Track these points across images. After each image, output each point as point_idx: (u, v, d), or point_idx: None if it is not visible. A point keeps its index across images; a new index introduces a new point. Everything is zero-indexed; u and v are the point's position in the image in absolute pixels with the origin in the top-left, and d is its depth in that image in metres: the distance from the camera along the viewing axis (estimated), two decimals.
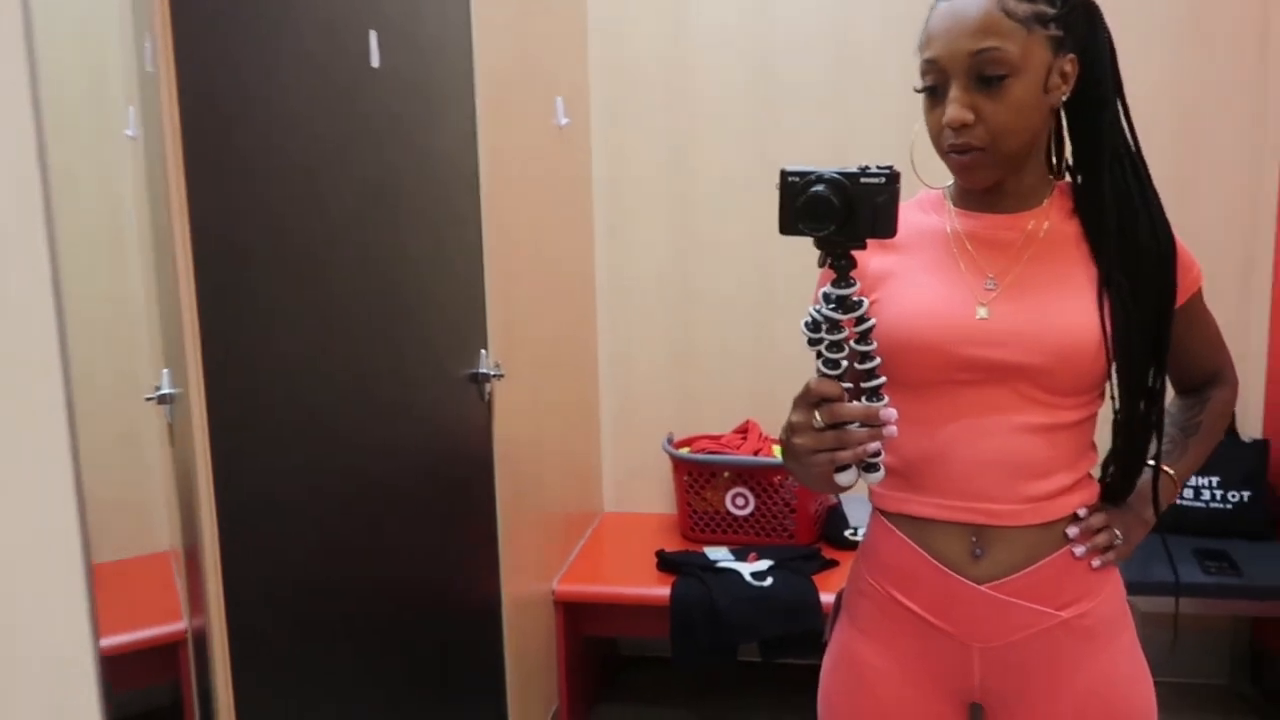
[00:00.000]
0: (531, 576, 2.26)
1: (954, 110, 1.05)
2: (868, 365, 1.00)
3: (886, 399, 1.00)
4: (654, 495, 2.94)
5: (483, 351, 1.89)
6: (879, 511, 1.19)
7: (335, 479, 1.34)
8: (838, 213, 0.94)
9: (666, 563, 2.47)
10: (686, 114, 2.78)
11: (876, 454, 0.99)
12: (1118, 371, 1.10)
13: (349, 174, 1.36)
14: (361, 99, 1.40)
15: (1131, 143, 1.12)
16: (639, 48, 2.77)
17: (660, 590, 2.37)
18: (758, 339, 2.81)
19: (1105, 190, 1.10)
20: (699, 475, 2.63)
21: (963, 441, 1.11)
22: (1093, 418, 1.14)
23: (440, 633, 1.72)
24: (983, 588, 1.11)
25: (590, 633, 2.62)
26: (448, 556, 1.77)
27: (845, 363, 0.99)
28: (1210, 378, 1.28)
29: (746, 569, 2.41)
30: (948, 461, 1.12)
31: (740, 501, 2.61)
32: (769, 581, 2.36)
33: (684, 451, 2.68)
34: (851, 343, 0.99)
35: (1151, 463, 1.19)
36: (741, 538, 2.61)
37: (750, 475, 2.58)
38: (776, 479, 2.58)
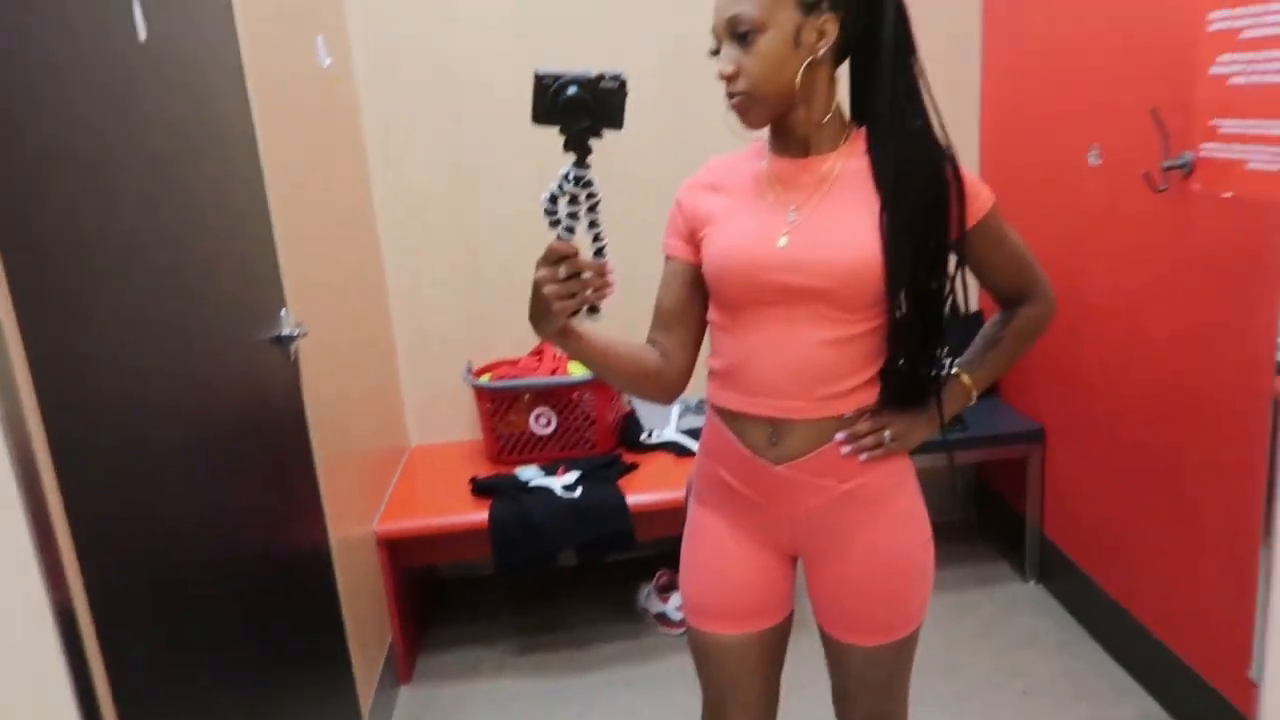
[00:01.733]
0: (353, 520, 2.32)
1: (720, 64, 1.28)
2: (595, 230, 1.25)
3: (609, 257, 1.25)
4: (459, 423, 3.03)
5: (283, 312, 1.89)
6: (710, 404, 1.44)
7: (162, 456, 1.34)
8: (587, 108, 1.16)
9: (481, 488, 2.60)
10: (449, 37, 2.79)
11: (599, 300, 1.24)
12: (890, 290, 1.28)
13: (133, 154, 1.33)
14: (134, 74, 1.35)
15: (919, 95, 1.30)
16: None
17: (478, 515, 2.50)
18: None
19: (882, 136, 1.30)
20: (501, 401, 2.75)
21: (767, 351, 1.34)
22: (881, 328, 1.33)
23: (277, 586, 1.77)
24: (778, 468, 1.36)
25: (414, 564, 2.72)
26: (276, 513, 1.80)
27: (577, 229, 1.23)
28: (1020, 295, 1.44)
29: (557, 483, 2.59)
30: (754, 367, 1.35)
31: (543, 420, 2.76)
32: (578, 492, 2.55)
33: (484, 379, 2.79)
34: (583, 213, 1.22)
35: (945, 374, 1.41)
36: (548, 454, 2.78)
37: (550, 395, 2.73)
38: (575, 395, 2.74)
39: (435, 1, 2.76)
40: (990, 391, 3.01)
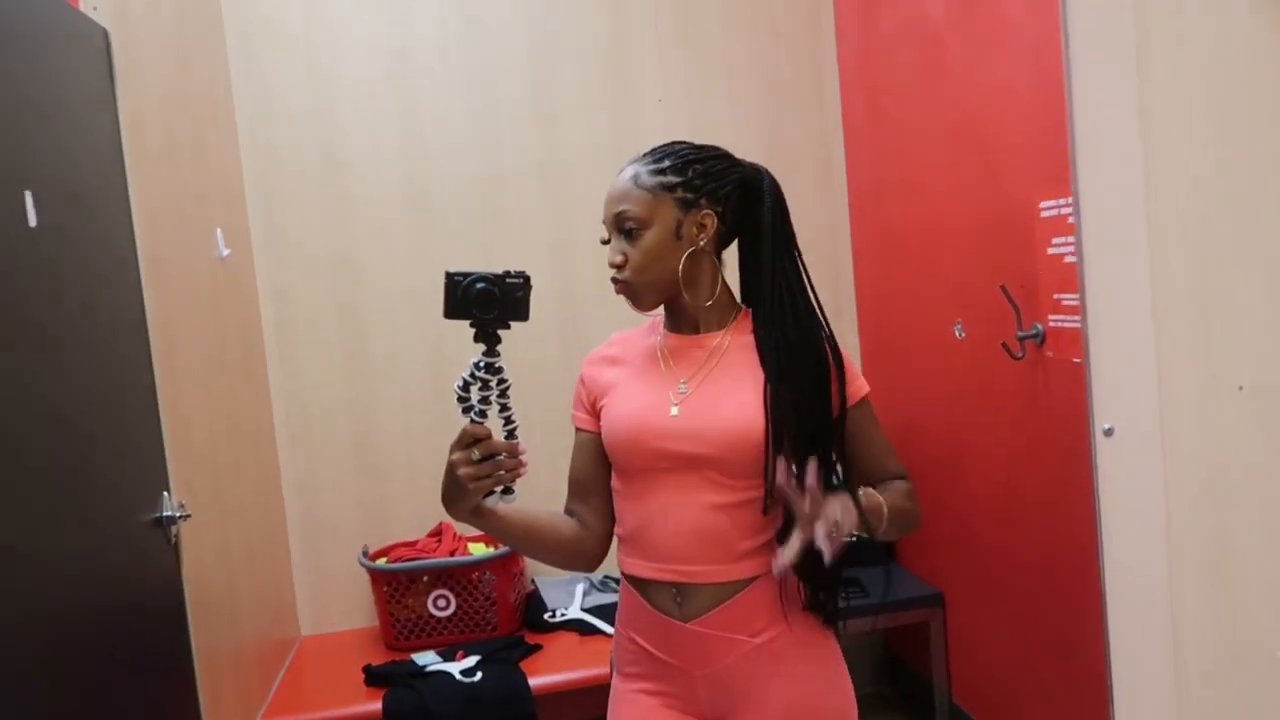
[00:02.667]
0: (231, 716, 2.19)
1: (609, 254, 1.43)
2: (506, 414, 1.32)
3: (520, 439, 1.31)
4: (353, 611, 2.93)
5: (165, 494, 1.85)
6: (621, 571, 1.47)
7: (17, 655, 1.28)
8: (495, 303, 1.28)
9: (375, 676, 2.49)
10: (347, 227, 2.90)
11: (513, 481, 1.31)
12: (768, 456, 1.33)
13: (16, 331, 1.34)
14: (22, 259, 1.38)
15: (799, 279, 1.42)
16: (293, 173, 2.86)
17: (371, 706, 2.39)
18: (443, 440, 2.92)
19: (765, 317, 1.42)
20: (399, 584, 2.68)
21: (664, 516, 1.39)
22: (753, 498, 1.36)
23: None
24: (688, 625, 1.37)
25: None
26: (141, 709, 1.70)
27: (489, 413, 1.30)
28: (888, 478, 1.48)
29: (456, 668, 2.50)
30: (653, 532, 1.40)
31: (442, 603, 2.69)
32: (478, 677, 2.46)
33: (381, 562, 2.72)
34: (494, 398, 1.30)
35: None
36: (447, 638, 2.69)
37: (450, 575, 2.68)
38: (475, 575, 2.70)
39: (335, 194, 2.88)
40: (890, 560, 3.08)
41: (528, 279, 1.30)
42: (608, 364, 1.52)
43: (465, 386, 1.30)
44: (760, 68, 3.11)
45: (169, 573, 1.86)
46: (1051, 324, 2.15)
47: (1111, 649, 1.66)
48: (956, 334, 2.58)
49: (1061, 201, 2.05)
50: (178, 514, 1.85)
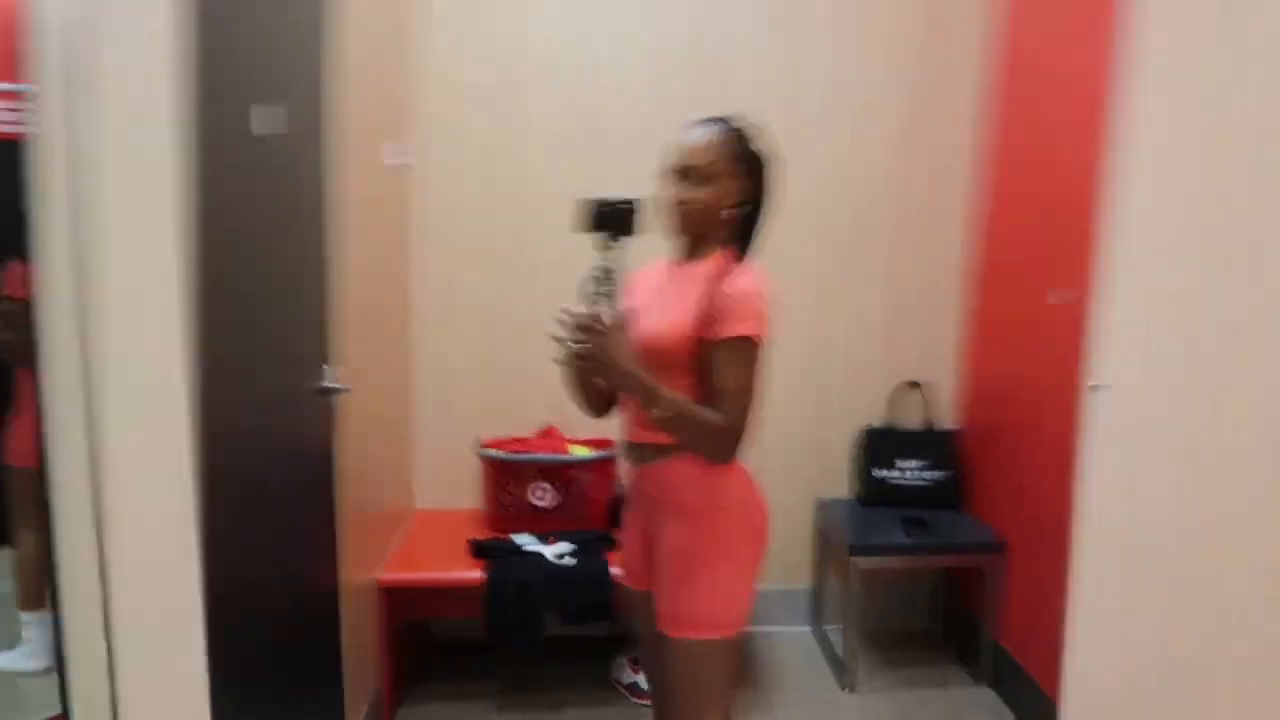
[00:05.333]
0: (359, 569, 2.53)
1: (676, 192, 1.79)
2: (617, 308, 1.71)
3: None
4: (461, 492, 3.26)
5: (326, 368, 2.16)
6: None
7: (221, 489, 1.59)
8: (613, 222, 1.68)
9: (479, 549, 2.82)
10: (500, 149, 3.14)
11: None
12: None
13: (259, 216, 1.63)
14: (252, 158, 1.67)
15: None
16: (459, 87, 3.10)
17: (473, 573, 2.71)
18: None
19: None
20: (506, 472, 2.99)
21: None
22: (689, 387, 1.73)
23: (293, 620, 1.98)
24: (637, 469, 1.87)
25: (409, 616, 2.91)
26: (303, 550, 2.03)
27: (604, 305, 1.68)
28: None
29: (549, 550, 2.81)
30: (627, 408, 1.88)
31: (541, 494, 2.99)
32: (567, 560, 2.77)
33: (492, 451, 3.03)
34: (609, 294, 1.68)
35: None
36: (544, 526, 3.00)
37: (552, 471, 2.98)
38: (573, 473, 2.98)
39: (501, 119, 3.13)
40: (958, 504, 3.26)
41: (637, 205, 1.68)
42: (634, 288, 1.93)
43: (593, 281, 1.68)
44: (916, 12, 3.21)
45: (326, 437, 2.18)
46: None
47: (1073, 586, 1.97)
48: (1050, 299, 2.70)
49: None
50: (339, 386, 2.15)
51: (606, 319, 1.67)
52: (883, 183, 3.25)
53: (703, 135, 1.79)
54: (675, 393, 1.70)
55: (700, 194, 1.76)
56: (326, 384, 2.14)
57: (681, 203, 1.78)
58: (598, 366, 1.68)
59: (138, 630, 0.83)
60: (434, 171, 3.14)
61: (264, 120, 1.74)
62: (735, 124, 1.82)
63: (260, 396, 1.77)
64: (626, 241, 1.69)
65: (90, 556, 0.75)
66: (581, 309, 1.67)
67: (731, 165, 1.78)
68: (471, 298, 3.21)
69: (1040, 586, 2.80)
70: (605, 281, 1.69)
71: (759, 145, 1.82)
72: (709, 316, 1.70)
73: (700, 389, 1.73)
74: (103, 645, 0.78)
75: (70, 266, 0.74)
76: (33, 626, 2.74)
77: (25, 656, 2.62)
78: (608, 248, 1.69)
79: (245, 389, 1.67)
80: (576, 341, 1.67)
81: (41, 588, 2.74)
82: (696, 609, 1.77)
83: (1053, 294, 2.69)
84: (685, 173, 1.77)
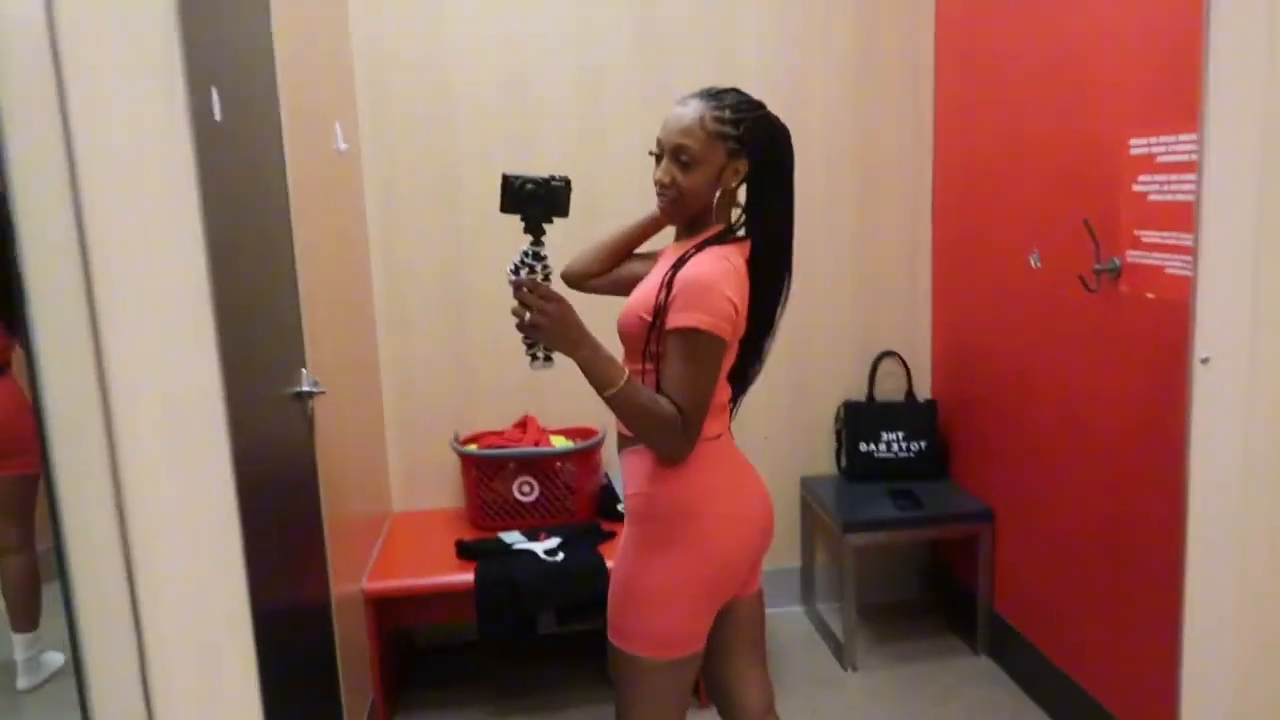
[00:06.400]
0: (346, 578, 2.42)
1: (659, 173, 1.68)
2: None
3: None
4: (440, 491, 3.15)
5: (303, 370, 2.04)
6: None
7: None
8: (541, 200, 1.54)
9: (467, 550, 2.72)
10: (448, 130, 3.02)
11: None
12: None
13: (223, 211, 1.51)
14: (211, 151, 1.54)
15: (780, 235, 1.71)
16: (398, 69, 2.97)
17: (462, 577, 2.61)
18: None
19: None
20: (487, 468, 2.89)
21: None
22: (646, 373, 1.64)
23: (287, 637, 1.87)
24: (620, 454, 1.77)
25: (396, 624, 2.80)
26: (289, 566, 1.91)
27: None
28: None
29: (539, 547, 2.72)
30: None
31: (526, 488, 2.90)
32: (560, 556, 2.68)
33: (472, 448, 2.93)
34: (539, 281, 1.54)
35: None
36: (529, 521, 2.91)
37: (534, 464, 2.88)
38: (557, 465, 2.90)
39: (438, 92, 3.00)
40: (942, 474, 3.25)
41: (568, 182, 1.56)
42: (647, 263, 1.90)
43: (515, 270, 1.55)
44: None
45: (305, 443, 2.06)
46: (1130, 260, 2.24)
47: (1189, 568, 1.81)
48: (1032, 263, 2.68)
49: (1153, 140, 2.13)
50: (314, 389, 2.04)
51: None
52: (848, 152, 3.21)
53: (691, 111, 1.63)
54: (628, 374, 1.57)
55: (685, 178, 1.63)
56: (304, 388, 2.02)
57: (664, 186, 1.66)
58: (545, 335, 1.55)
59: (175, 652, 0.75)
60: (381, 155, 3.01)
61: (222, 105, 1.62)
62: (729, 97, 1.66)
63: (245, 404, 1.66)
64: (553, 223, 1.56)
65: (116, 582, 0.66)
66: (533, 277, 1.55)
67: (721, 144, 1.63)
68: (432, 284, 3.08)
69: (1033, 553, 2.80)
70: (533, 266, 1.54)
71: (756, 118, 1.66)
72: (661, 304, 1.61)
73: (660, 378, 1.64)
74: (136, 675, 0.70)
75: (73, 273, 0.65)
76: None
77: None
78: (535, 230, 1.56)
79: (233, 396, 1.56)
80: (523, 306, 1.54)
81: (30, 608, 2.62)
82: (621, 618, 1.69)
83: (1034, 258, 2.67)
84: (673, 152, 1.64)
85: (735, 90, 1.69)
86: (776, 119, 1.70)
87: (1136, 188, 2.20)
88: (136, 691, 0.70)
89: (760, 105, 1.69)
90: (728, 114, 1.63)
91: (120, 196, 0.63)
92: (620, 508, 2.91)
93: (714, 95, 1.66)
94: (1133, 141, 2.20)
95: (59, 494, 0.66)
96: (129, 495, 0.68)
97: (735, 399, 1.80)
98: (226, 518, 0.73)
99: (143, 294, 0.67)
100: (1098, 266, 2.34)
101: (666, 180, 1.65)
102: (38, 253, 0.64)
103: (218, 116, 1.58)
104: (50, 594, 2.71)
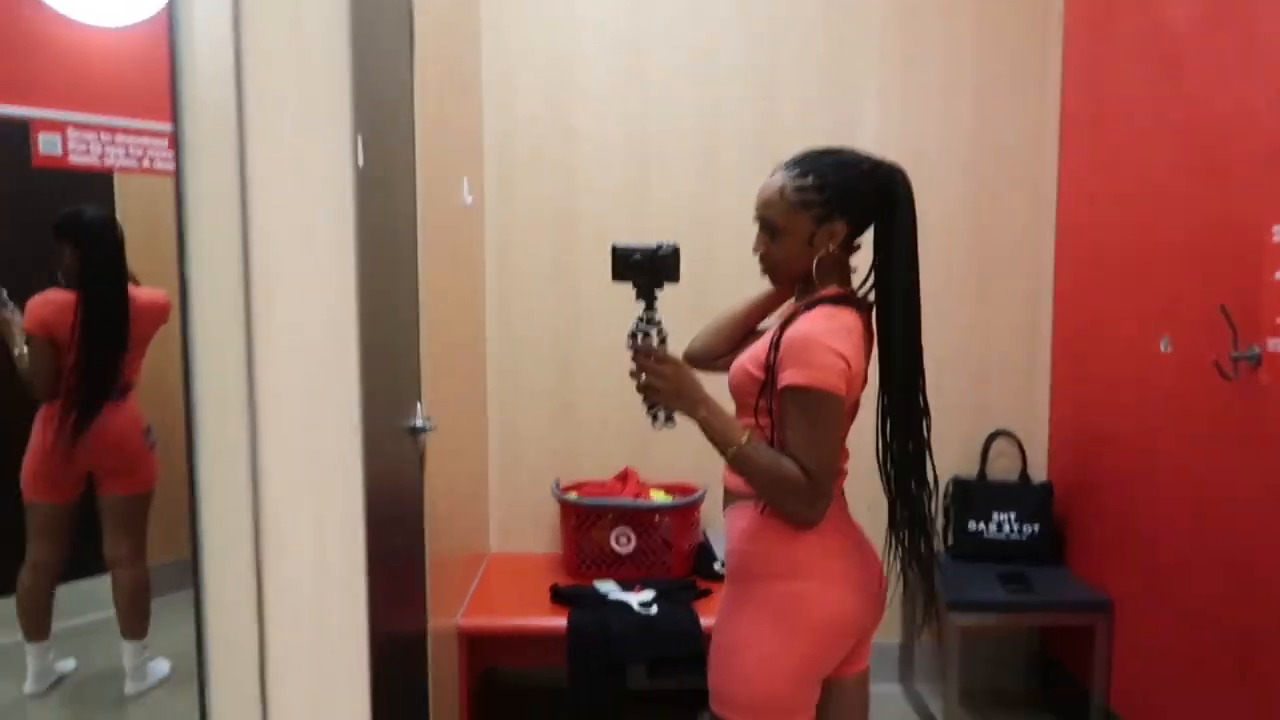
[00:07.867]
0: (442, 613, 2.47)
1: (755, 244, 1.70)
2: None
3: None
4: (537, 536, 3.19)
5: (418, 404, 2.11)
6: None
7: None
8: (650, 269, 1.58)
9: (561, 595, 2.73)
10: (568, 194, 3.12)
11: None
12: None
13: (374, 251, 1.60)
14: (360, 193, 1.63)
15: (906, 284, 1.61)
16: (525, 128, 3.09)
17: (555, 621, 2.63)
18: (635, 395, 3.14)
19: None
20: (586, 517, 2.91)
21: None
22: (761, 429, 1.62)
23: (387, 669, 1.91)
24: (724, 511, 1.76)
25: (488, 664, 2.82)
26: (393, 596, 1.97)
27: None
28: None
29: (634, 599, 2.71)
30: None
31: (623, 540, 2.91)
32: (654, 610, 2.67)
33: (572, 495, 2.96)
34: (655, 344, 1.59)
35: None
36: (625, 573, 2.91)
37: (633, 516, 2.89)
38: (655, 518, 2.90)
39: (561, 155, 3.10)
40: (1056, 560, 3.11)
41: (676, 249, 1.59)
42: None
43: (633, 336, 1.60)
44: (978, 58, 3.13)
45: (415, 476, 2.13)
46: (1271, 348, 2.13)
47: None
48: (1162, 348, 2.57)
49: None
50: (427, 425, 2.10)
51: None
52: (966, 225, 3.16)
53: (774, 182, 1.64)
54: (749, 434, 1.57)
55: (775, 247, 1.65)
56: (418, 423, 2.09)
57: (760, 258, 1.70)
58: (663, 397, 1.59)
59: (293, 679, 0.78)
60: (502, 210, 3.12)
61: (365, 152, 1.72)
62: (812, 162, 1.63)
63: (374, 434, 1.73)
64: (663, 288, 1.60)
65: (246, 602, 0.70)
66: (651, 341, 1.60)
67: (805, 212, 1.61)
68: (542, 335, 3.16)
69: (1153, 653, 2.63)
70: (646, 331, 1.59)
71: (844, 179, 1.61)
72: (771, 363, 1.59)
73: (776, 435, 1.60)
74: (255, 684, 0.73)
75: (234, 303, 0.70)
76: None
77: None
78: (646, 296, 1.60)
79: (368, 426, 1.63)
80: (640, 369, 1.59)
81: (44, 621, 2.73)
82: (719, 682, 1.66)
83: (1164, 342, 2.56)
84: (761, 223, 1.67)
85: (828, 151, 1.64)
86: (876, 170, 1.63)
87: (1279, 275, 2.10)
88: (255, 708, 0.73)
89: (854, 163, 1.63)
90: (810, 180, 1.61)
91: (285, 238, 0.68)
92: (718, 566, 2.91)
93: (797, 162, 1.64)
94: (1276, 229, 2.11)
95: (200, 511, 0.70)
96: (266, 514, 0.71)
97: (911, 446, 1.67)
98: (354, 543, 0.75)
99: (298, 331, 0.72)
100: (1235, 354, 2.23)
101: (760, 251, 1.69)
102: (204, 279, 0.69)
103: (360, 163, 1.67)
104: (159, 605, 2.84)
